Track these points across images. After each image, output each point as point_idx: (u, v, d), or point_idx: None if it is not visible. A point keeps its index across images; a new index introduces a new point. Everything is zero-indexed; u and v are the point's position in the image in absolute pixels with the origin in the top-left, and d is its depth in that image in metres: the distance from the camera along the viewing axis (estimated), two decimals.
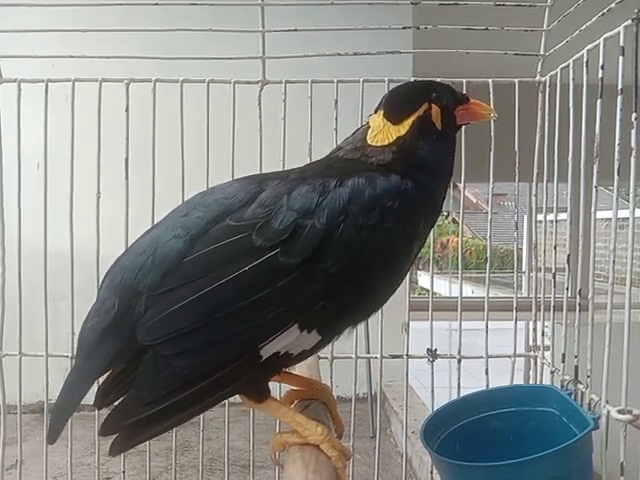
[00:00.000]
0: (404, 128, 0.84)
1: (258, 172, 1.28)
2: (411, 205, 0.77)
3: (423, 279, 11.20)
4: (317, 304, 0.71)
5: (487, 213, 1.50)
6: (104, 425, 0.71)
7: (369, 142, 0.85)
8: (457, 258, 1.55)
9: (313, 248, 0.70)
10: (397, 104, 0.87)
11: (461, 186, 1.37)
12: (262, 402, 0.76)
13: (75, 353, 0.77)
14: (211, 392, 0.71)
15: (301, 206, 0.72)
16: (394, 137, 0.84)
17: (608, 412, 0.99)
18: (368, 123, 0.88)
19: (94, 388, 0.76)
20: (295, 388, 0.92)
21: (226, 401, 1.27)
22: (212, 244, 0.72)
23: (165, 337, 0.69)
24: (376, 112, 0.88)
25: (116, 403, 0.74)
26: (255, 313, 0.69)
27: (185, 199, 1.35)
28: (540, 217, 1.48)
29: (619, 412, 0.97)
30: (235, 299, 0.69)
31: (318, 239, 0.70)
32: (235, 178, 0.85)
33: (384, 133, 0.85)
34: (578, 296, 1.10)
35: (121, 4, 1.53)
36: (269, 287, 0.69)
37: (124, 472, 1.44)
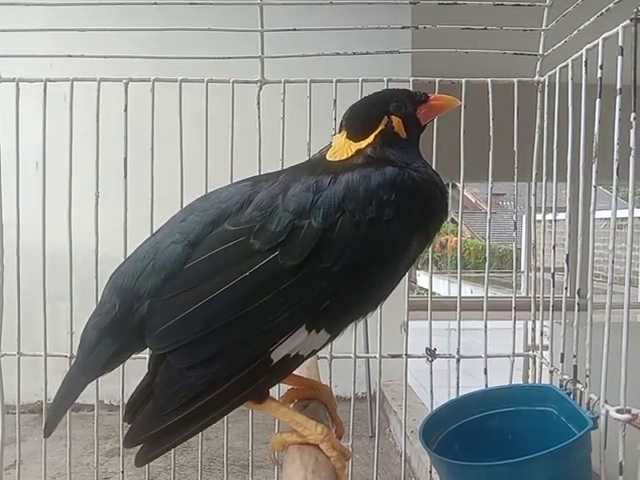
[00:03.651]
0: (365, 142, 0.83)
1: (257, 172, 1.28)
2: (408, 196, 0.75)
3: (422, 279, 11.18)
4: (323, 303, 0.70)
5: (486, 213, 1.50)
6: (127, 437, 0.71)
7: (328, 159, 0.84)
8: (456, 258, 1.55)
9: (312, 248, 0.69)
10: (358, 123, 0.85)
11: (460, 186, 1.37)
12: (262, 403, 0.75)
13: (77, 350, 0.78)
14: (227, 398, 0.70)
15: (296, 207, 0.72)
16: (353, 150, 0.83)
17: (607, 411, 0.99)
18: (331, 143, 0.87)
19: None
20: (295, 387, 0.91)
21: None
22: (212, 249, 0.71)
23: (175, 345, 0.69)
24: (340, 132, 0.87)
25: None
26: (261, 318, 0.69)
27: (184, 199, 1.37)
28: (539, 217, 1.48)
29: (618, 411, 0.97)
30: (239, 304, 0.69)
31: (316, 239, 0.70)
32: (233, 181, 0.84)
33: (344, 149, 0.84)
34: (577, 296, 1.10)
35: (120, 3, 1.53)
36: (273, 290, 0.69)
37: (123, 472, 1.44)
